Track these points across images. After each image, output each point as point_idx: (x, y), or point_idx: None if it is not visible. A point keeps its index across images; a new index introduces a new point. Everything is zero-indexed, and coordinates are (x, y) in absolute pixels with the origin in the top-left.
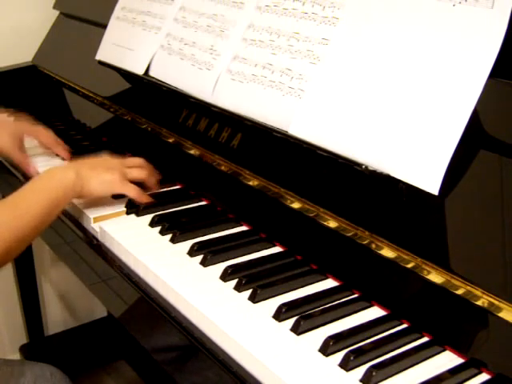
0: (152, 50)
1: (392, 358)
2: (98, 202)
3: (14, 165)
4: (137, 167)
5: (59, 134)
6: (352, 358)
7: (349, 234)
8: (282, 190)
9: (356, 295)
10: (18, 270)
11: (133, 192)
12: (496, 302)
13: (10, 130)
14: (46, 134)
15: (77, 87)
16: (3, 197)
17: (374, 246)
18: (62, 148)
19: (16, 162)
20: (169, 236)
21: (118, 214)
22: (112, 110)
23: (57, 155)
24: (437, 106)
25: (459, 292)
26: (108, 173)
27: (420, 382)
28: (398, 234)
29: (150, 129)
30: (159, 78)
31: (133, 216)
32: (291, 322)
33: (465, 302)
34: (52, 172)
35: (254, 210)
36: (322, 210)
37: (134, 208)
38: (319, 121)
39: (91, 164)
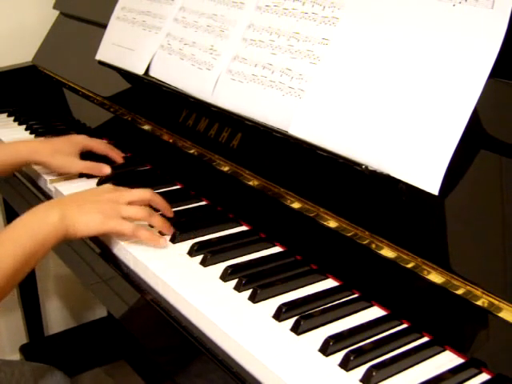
0: (152, 49)
1: (392, 358)
2: None
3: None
4: (138, 202)
5: (59, 134)
6: (352, 358)
7: (349, 234)
8: (282, 189)
9: (356, 295)
10: None
11: (128, 231)
12: (496, 302)
13: (68, 151)
14: (100, 142)
15: (77, 87)
16: None
17: (374, 245)
18: (116, 153)
19: (87, 172)
20: (168, 236)
21: None
22: (112, 109)
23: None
24: (437, 106)
25: (459, 292)
26: (97, 211)
27: (420, 382)
28: (397, 234)
29: (149, 129)
30: (159, 78)
31: None
32: (291, 321)
33: (465, 302)
34: (32, 217)
35: (253, 210)
36: (322, 209)
37: None
38: (319, 121)
39: (80, 200)
